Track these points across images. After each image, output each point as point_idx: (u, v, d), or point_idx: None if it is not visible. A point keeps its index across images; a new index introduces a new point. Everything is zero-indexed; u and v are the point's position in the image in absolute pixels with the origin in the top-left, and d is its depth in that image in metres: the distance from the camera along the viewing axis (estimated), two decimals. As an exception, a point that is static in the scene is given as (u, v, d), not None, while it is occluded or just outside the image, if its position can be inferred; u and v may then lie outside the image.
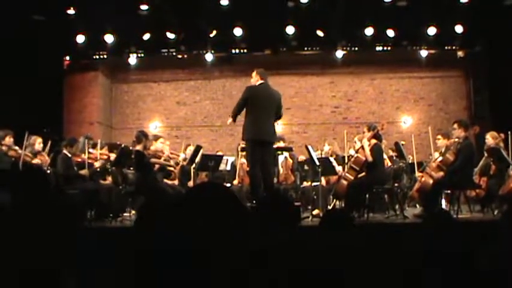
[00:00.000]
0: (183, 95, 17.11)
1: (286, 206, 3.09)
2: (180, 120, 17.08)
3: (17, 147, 9.00)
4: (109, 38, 13.93)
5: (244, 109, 8.24)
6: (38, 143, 9.22)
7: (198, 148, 10.07)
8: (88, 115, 16.06)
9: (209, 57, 14.76)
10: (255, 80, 8.43)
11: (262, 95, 8.28)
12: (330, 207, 9.69)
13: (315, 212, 9.31)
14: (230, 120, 8.41)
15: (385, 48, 14.19)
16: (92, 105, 16.17)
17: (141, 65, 15.51)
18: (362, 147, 8.99)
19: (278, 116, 8.44)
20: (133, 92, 17.31)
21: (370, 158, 8.79)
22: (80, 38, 14.05)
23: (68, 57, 15.04)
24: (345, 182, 8.98)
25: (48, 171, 9.35)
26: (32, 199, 2.44)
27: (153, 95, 17.23)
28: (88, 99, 16.13)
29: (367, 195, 8.97)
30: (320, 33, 13.84)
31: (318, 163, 9.27)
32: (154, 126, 16.74)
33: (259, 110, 8.16)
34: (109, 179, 10.09)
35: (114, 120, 17.23)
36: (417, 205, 10.81)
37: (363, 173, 8.99)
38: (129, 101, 17.30)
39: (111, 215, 9.03)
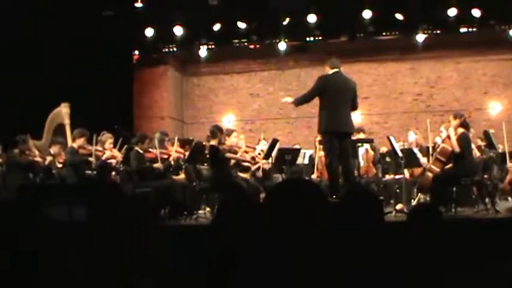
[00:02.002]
0: (256, 87, 17.23)
1: (369, 200, 3.09)
2: (254, 113, 17.20)
3: (88, 145, 9.34)
4: (178, 31, 14.15)
5: (318, 101, 8.22)
6: (108, 142, 9.51)
7: (274, 142, 10.09)
8: (159, 110, 16.42)
9: (282, 46, 14.76)
10: (327, 69, 8.42)
11: (336, 84, 8.25)
12: (414, 202, 9.55)
13: (398, 206, 9.19)
14: (290, 100, 8.44)
15: (470, 29, 13.81)
16: (163, 100, 16.52)
17: (212, 57, 15.68)
18: (448, 136, 8.81)
19: (354, 107, 8.39)
20: (205, 85, 17.56)
21: (457, 149, 8.61)
22: (149, 32, 14.34)
23: (136, 52, 15.38)
24: (430, 175, 8.83)
25: (121, 169, 9.66)
26: (107, 215, 2.54)
27: (225, 87, 17.42)
28: (158, 94, 16.49)
29: (454, 188, 8.80)
30: (399, 16, 13.62)
31: (400, 154, 9.15)
32: (227, 120, 16.91)
33: (334, 100, 8.14)
34: (182, 175, 10.24)
35: (186, 114, 17.55)
36: (509, 198, 10.50)
37: (450, 165, 8.82)
38: (200, 95, 17.57)
39: (185, 212, 9.19)
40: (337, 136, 8.12)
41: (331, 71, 8.38)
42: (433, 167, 8.91)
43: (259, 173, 10.43)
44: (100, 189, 2.74)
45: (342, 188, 8.18)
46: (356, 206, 2.93)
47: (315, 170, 11.26)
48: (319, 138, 11.11)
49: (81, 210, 2.59)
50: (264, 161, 10.32)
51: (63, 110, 10.71)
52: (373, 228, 2.81)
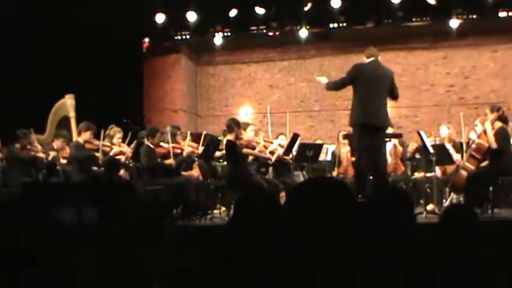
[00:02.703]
0: (276, 77, 17.21)
1: (400, 200, 3.08)
2: (273, 105, 17.16)
3: (95, 140, 9.39)
4: (192, 16, 14.16)
5: (352, 90, 8.24)
6: (117, 137, 9.55)
7: (295, 136, 10.09)
8: (171, 102, 16.46)
9: (304, 33, 14.74)
10: (364, 59, 8.46)
11: (371, 73, 8.27)
12: (446, 202, 9.51)
13: (429, 207, 9.17)
14: (325, 80, 8.47)
15: (509, 13, 13.68)
16: (175, 91, 16.55)
17: (228, 45, 15.70)
18: (484, 131, 8.75)
19: (394, 97, 8.41)
20: (220, 76, 17.57)
21: (494, 144, 8.55)
22: (160, 17, 14.36)
23: (147, 39, 15.42)
24: (464, 173, 8.80)
25: (131, 165, 9.71)
26: (119, 216, 2.55)
27: (242, 78, 17.43)
28: (170, 85, 16.52)
29: (490, 188, 8.75)
30: (431, 0, 13.53)
31: (432, 151, 9.12)
32: (244, 113, 16.92)
33: (368, 90, 8.15)
34: (194, 171, 10.25)
35: (200, 107, 17.58)
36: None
37: (486, 162, 8.77)
38: (215, 86, 17.58)
39: (199, 212, 9.22)
40: (369, 130, 8.11)
41: (367, 60, 8.41)
42: (467, 164, 8.87)
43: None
44: (111, 189, 2.75)
45: (369, 186, 8.18)
46: (385, 207, 2.92)
47: (339, 167, 11.25)
48: (343, 132, 11.10)
49: (92, 211, 2.60)
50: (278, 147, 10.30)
51: (68, 102, 10.75)
52: (404, 231, 2.80)
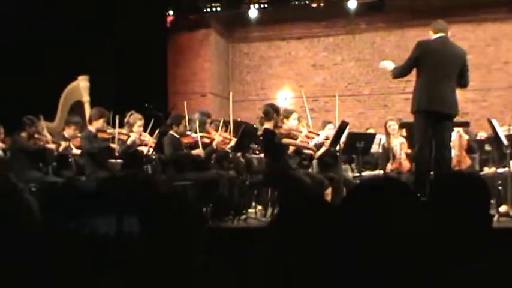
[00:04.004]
0: (320, 56, 17.15)
1: (472, 199, 3.00)
2: (317, 89, 17.12)
3: (109, 128, 9.37)
4: (223, -15, 14.18)
5: (415, 72, 8.15)
6: (138, 125, 9.50)
7: (343, 125, 9.98)
8: (199, 85, 16.50)
9: (353, 4, 14.66)
10: (431, 34, 8.35)
11: (439, 51, 8.15)
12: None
13: (502, 208, 9.03)
14: (391, 66, 8.37)
15: None
16: (204, 72, 16.58)
17: (264, 19, 15.70)
18: None
19: (463, 83, 8.28)
20: (256, 54, 17.55)
21: None
22: (187, -13, 14.40)
23: (171, 13, 15.45)
24: (544, 168, 8.67)
25: (154, 157, 9.71)
26: (167, 229, 2.55)
27: (280, 56, 17.39)
28: (198, 65, 16.56)
29: None
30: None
31: (505, 142, 8.97)
32: (283, 97, 16.88)
33: (434, 71, 8.05)
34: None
35: (232, 90, 17.52)
36: None
37: None
38: (250, 66, 17.58)
39: (232, 212, 9.21)
40: (434, 117, 8.01)
41: (434, 36, 8.29)
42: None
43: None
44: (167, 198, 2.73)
45: (429, 183, 8.07)
46: (455, 207, 2.86)
47: (392, 161, 11.13)
48: (390, 120, 11.03)
49: (131, 220, 2.59)
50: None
51: (81, 84, 10.80)
52: (477, 236, 2.73)
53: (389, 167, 11.02)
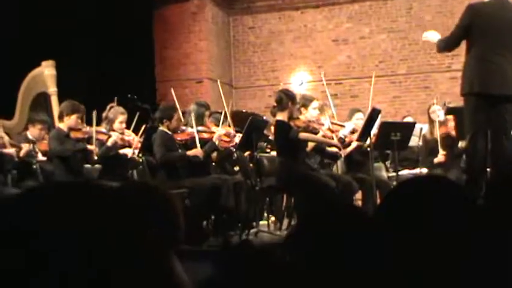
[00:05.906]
0: (343, 28, 17.11)
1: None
2: (340, 69, 17.08)
3: (84, 126, 9.32)
4: None
5: (465, 44, 8.03)
6: (119, 120, 9.48)
7: (374, 113, 9.94)
8: (193, 69, 16.49)
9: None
10: None
11: (496, 17, 8.03)
12: None
13: None
14: (435, 37, 8.28)
15: None
16: (199, 53, 16.56)
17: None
18: None
19: None
20: (263, 28, 17.54)
21: None
22: None
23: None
24: None
25: (141, 160, 9.68)
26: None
27: (294, 30, 17.38)
28: (192, 44, 16.54)
29: None
30: None
31: None
32: (298, 81, 16.84)
33: (490, 43, 7.93)
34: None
35: (235, 74, 17.60)
36: None
37: None
38: (256, 43, 17.56)
39: (239, 224, 9.19)
40: (490, 101, 7.90)
41: None
42: None
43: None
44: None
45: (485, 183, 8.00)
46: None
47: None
48: (433, 106, 10.96)
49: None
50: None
51: (46, 72, 10.75)
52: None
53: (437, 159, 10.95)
